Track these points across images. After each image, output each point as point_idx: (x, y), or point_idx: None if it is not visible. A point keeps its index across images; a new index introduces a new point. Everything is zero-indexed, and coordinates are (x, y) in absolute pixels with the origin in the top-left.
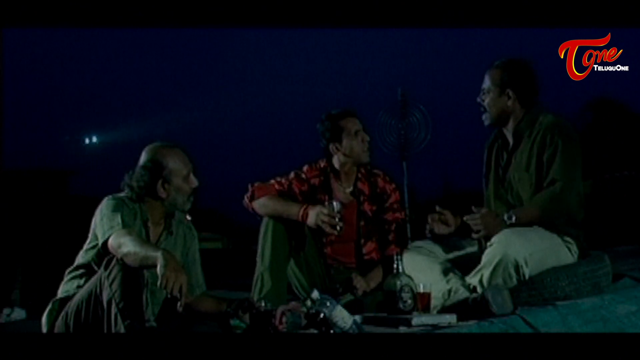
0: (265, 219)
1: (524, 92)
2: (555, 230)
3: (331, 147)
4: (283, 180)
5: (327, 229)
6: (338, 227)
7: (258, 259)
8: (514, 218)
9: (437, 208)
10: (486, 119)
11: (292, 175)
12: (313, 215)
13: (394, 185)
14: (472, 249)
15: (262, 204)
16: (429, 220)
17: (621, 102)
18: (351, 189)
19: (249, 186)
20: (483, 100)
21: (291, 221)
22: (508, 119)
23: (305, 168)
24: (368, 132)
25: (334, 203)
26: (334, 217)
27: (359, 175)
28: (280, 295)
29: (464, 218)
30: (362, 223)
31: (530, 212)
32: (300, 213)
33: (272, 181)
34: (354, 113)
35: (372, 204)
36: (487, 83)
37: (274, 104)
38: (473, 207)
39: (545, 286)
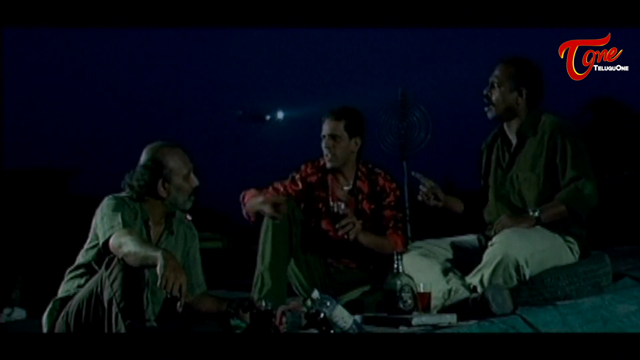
0: (265, 219)
1: (534, 92)
2: (557, 230)
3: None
4: (279, 185)
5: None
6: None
7: (258, 259)
8: (537, 213)
9: (429, 184)
10: (490, 112)
11: (288, 178)
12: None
13: (394, 185)
14: (473, 248)
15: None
16: (422, 192)
17: (621, 102)
18: (350, 187)
19: (241, 194)
20: (491, 94)
21: (291, 221)
22: (512, 116)
23: (302, 167)
24: (340, 136)
25: (336, 204)
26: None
27: (359, 174)
28: (280, 295)
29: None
30: (360, 222)
31: (556, 208)
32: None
33: (270, 188)
34: (335, 114)
35: (371, 203)
36: (498, 77)
37: (274, 104)
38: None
39: (546, 286)
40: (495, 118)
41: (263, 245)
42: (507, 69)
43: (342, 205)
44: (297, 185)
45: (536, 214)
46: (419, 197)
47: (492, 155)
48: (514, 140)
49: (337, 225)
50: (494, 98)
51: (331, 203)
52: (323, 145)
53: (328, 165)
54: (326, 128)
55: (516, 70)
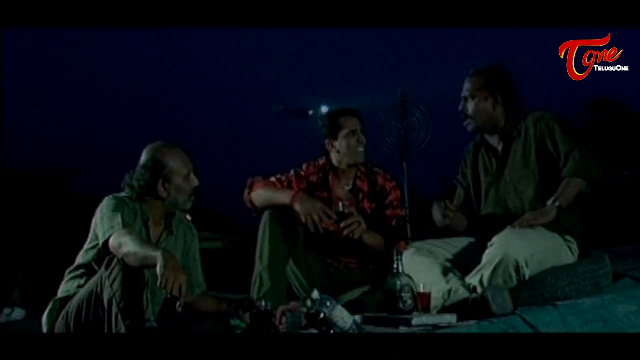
0: (263, 218)
1: (507, 94)
2: (557, 230)
3: (327, 143)
4: (283, 178)
5: (310, 225)
6: (320, 229)
7: (257, 259)
8: (556, 201)
9: (446, 203)
10: (470, 124)
11: (291, 172)
12: (308, 205)
13: (394, 184)
14: (473, 248)
15: (257, 194)
16: (438, 209)
17: (621, 102)
18: (350, 187)
19: (248, 180)
20: (466, 108)
21: (290, 220)
22: (492, 124)
23: (304, 166)
24: (366, 134)
25: (342, 203)
26: (329, 216)
27: (359, 174)
28: (279, 294)
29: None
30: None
31: (570, 186)
32: (292, 194)
33: (273, 178)
34: (355, 112)
35: (371, 202)
36: (469, 90)
37: (274, 103)
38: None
39: (545, 286)
40: (476, 130)
41: (261, 244)
42: (477, 80)
43: (348, 204)
44: (302, 183)
45: (556, 203)
46: (439, 219)
47: (477, 164)
48: (498, 146)
49: (342, 224)
50: (470, 111)
51: (339, 202)
52: (354, 140)
53: (361, 160)
54: (353, 125)
55: (485, 78)
